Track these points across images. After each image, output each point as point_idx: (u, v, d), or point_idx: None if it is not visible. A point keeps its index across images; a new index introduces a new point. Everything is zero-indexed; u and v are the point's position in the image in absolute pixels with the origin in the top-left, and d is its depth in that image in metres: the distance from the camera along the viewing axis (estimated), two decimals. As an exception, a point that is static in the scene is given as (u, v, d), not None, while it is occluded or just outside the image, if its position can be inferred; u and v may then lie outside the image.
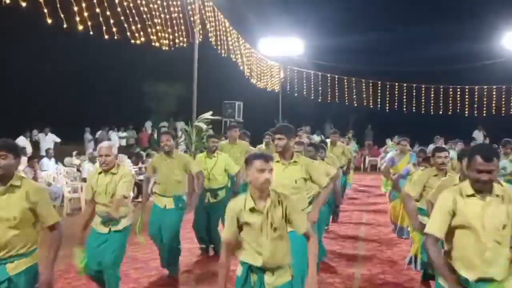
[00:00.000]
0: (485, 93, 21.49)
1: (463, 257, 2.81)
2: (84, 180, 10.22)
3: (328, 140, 9.64)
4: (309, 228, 3.20)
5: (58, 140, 15.15)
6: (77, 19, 8.78)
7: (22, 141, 13.60)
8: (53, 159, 11.68)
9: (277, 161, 4.19)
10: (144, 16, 10.78)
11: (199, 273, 5.85)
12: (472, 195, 2.83)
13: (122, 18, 10.07)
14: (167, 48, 12.01)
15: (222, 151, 6.85)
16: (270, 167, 3.05)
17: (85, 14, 8.89)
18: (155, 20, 11.21)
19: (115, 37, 10.06)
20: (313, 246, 3.17)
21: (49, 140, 14.97)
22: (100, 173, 4.48)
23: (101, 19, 9.32)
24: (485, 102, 21.59)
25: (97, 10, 9.12)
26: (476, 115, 21.67)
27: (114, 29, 9.89)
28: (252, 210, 3.07)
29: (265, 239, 3.07)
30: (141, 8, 10.56)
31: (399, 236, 7.59)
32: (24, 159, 10.80)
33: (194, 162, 6.03)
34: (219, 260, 3.27)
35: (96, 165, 10.96)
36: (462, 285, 2.80)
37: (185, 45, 12.37)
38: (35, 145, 15.29)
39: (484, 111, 21.64)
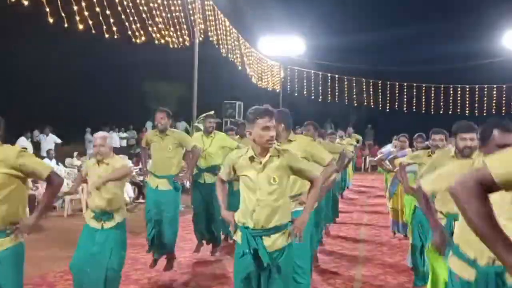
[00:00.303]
0: (486, 92, 21.47)
1: (471, 239, 2.45)
2: (85, 181, 10.19)
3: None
4: (317, 174, 3.27)
5: (59, 141, 15.12)
6: (77, 18, 8.78)
7: (23, 141, 13.61)
8: (54, 160, 11.66)
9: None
10: (144, 15, 10.77)
11: (199, 274, 5.84)
12: None
13: (123, 17, 10.07)
14: (167, 47, 11.99)
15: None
16: (273, 124, 3.06)
17: (85, 13, 8.89)
18: (155, 20, 11.20)
19: (115, 37, 10.05)
20: (315, 191, 3.23)
21: (50, 141, 14.96)
22: (94, 164, 4.41)
23: (101, 18, 9.31)
24: (485, 102, 21.58)
25: (97, 9, 9.12)
26: (477, 114, 21.66)
27: (114, 29, 9.88)
28: (252, 159, 3.10)
29: (262, 193, 3.06)
30: (141, 8, 10.55)
31: (404, 235, 7.51)
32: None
33: (189, 138, 6.02)
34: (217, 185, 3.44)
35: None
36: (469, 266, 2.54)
37: (187, 44, 12.34)
38: (36, 146, 15.28)
39: (485, 111, 21.64)
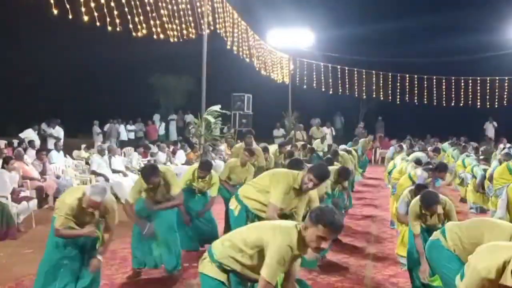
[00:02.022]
0: (497, 84, 21.12)
1: None
2: (93, 172, 10.16)
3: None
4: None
5: (61, 136, 15.01)
6: (84, 10, 8.68)
7: (30, 134, 13.59)
8: (61, 152, 11.62)
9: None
10: (152, 7, 10.65)
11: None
12: None
13: (129, 10, 9.95)
14: (175, 40, 11.87)
15: (233, 169, 6.87)
16: (332, 238, 2.92)
17: (91, 6, 8.78)
18: (163, 12, 11.08)
19: (124, 30, 9.93)
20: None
21: (56, 133, 14.95)
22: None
23: (110, 11, 9.20)
24: (497, 94, 21.23)
25: (103, 1, 9.00)
26: (488, 106, 21.33)
27: (123, 21, 9.77)
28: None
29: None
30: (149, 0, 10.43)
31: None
32: (32, 152, 10.76)
33: (176, 184, 5.27)
34: None
35: (105, 158, 10.89)
36: None
37: (193, 36, 12.20)
38: (44, 138, 15.26)
39: (496, 103, 21.30)
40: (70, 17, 8.39)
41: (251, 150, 7.17)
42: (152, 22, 10.72)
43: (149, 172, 4.98)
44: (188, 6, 11.95)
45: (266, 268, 2.75)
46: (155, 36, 11.13)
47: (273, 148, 10.26)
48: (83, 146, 13.15)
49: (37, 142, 13.05)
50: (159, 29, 11.16)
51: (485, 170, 8.86)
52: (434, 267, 3.81)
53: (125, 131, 18.68)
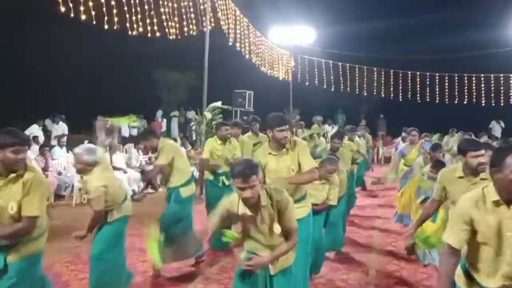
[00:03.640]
0: (502, 81, 20.98)
1: (482, 268, 2.57)
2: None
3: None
4: (295, 235, 3.09)
5: (66, 132, 15.09)
6: (87, 7, 8.70)
7: (35, 129, 13.67)
8: (64, 148, 11.67)
9: (269, 153, 4.07)
10: (155, 4, 10.66)
11: (207, 265, 5.75)
12: (498, 202, 2.49)
13: (133, 6, 9.97)
14: (177, 36, 11.87)
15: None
16: (250, 184, 2.87)
17: (94, 3, 8.80)
18: (165, 9, 11.09)
19: (126, 26, 9.96)
20: (287, 245, 3.08)
21: (60, 129, 15.01)
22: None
23: (110, 8, 9.22)
24: (502, 91, 21.09)
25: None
26: (493, 104, 21.17)
27: (125, 18, 9.79)
28: (245, 214, 3.05)
29: (261, 234, 3.09)
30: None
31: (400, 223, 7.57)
32: (36, 148, 10.82)
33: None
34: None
35: (106, 154, 10.93)
36: None
37: (195, 33, 12.21)
38: (47, 134, 15.33)
39: (502, 101, 21.15)
40: (73, 14, 8.42)
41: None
42: (151, 20, 10.73)
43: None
44: (191, 3, 11.96)
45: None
46: (158, 33, 11.15)
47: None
48: (85, 142, 13.18)
49: (42, 138, 13.13)
50: (160, 26, 11.17)
51: None
52: None
53: (127, 127, 18.72)
